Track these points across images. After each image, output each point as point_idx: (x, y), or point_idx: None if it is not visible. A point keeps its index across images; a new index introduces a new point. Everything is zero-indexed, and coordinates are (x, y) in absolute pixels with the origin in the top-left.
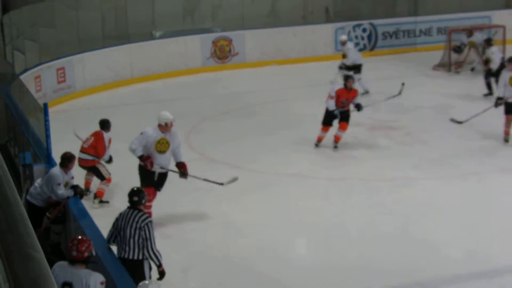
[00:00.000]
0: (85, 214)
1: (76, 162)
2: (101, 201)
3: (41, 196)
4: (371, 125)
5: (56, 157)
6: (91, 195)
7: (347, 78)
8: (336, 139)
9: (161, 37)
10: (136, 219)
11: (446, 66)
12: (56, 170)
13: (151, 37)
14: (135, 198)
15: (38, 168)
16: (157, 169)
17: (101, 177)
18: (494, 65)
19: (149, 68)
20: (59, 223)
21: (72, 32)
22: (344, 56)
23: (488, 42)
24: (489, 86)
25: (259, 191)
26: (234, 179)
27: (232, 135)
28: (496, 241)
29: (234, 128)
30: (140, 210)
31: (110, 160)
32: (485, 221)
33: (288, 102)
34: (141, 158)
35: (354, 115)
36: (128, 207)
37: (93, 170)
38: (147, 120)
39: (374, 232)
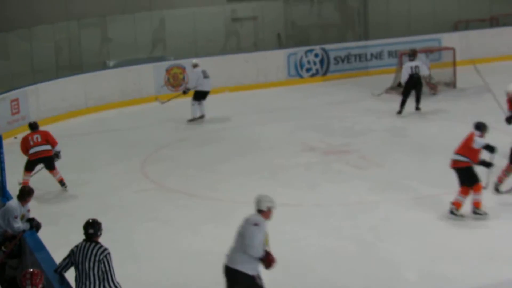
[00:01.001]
0: (41, 247)
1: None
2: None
3: None
4: (324, 150)
5: (11, 190)
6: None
7: None
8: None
9: (114, 67)
10: (94, 251)
11: (398, 89)
12: (13, 203)
13: (105, 67)
14: (91, 231)
15: None
16: None
17: (54, 166)
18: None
19: (104, 98)
20: (15, 257)
21: (26, 63)
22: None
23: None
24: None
25: (216, 219)
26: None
27: (188, 163)
28: (453, 262)
29: (190, 156)
30: (97, 243)
31: (58, 155)
32: (442, 243)
33: (242, 129)
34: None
35: (307, 137)
36: (84, 240)
37: (50, 160)
38: (102, 150)
39: (333, 257)
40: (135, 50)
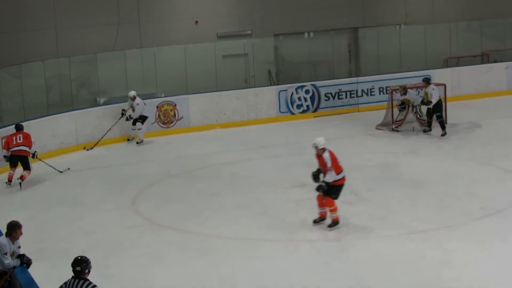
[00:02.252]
0: (32, 284)
1: (22, 230)
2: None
3: None
4: (315, 185)
5: (0, 226)
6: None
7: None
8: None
9: (105, 104)
10: None
11: (389, 125)
12: (2, 239)
13: (96, 104)
14: (78, 268)
15: None
16: None
17: (28, 166)
18: (433, 100)
19: (94, 134)
20: None
21: (16, 101)
22: (133, 109)
23: (427, 81)
24: (441, 124)
25: (208, 255)
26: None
27: (179, 198)
28: None
29: (181, 192)
30: (85, 280)
31: (34, 155)
32: (433, 279)
33: (233, 164)
34: None
35: (298, 173)
36: (73, 277)
37: (24, 159)
38: (93, 186)
39: None
40: (126, 87)
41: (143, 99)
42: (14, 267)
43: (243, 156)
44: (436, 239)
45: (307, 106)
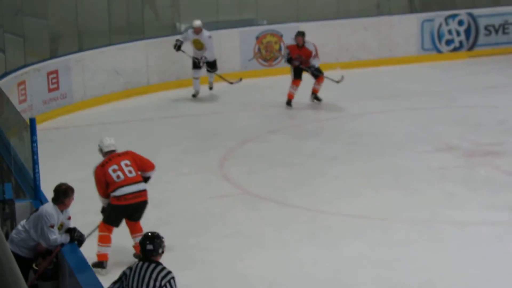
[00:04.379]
0: (85, 267)
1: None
2: None
3: (25, 242)
4: (467, 150)
5: (47, 190)
6: None
7: (297, 35)
8: (314, 91)
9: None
10: (154, 275)
11: None
12: (49, 207)
13: (175, 31)
14: (150, 247)
15: (21, 205)
16: None
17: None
18: None
19: (170, 72)
20: (50, 279)
21: (69, 24)
22: (199, 47)
23: None
24: None
25: (317, 238)
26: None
27: (282, 162)
28: None
29: (285, 153)
30: (157, 263)
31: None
32: None
33: (356, 118)
34: None
35: (444, 133)
36: (141, 259)
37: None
38: (168, 142)
39: None
40: (215, 11)
41: (239, 27)
42: (62, 245)
43: (371, 108)
44: None
45: (460, 42)
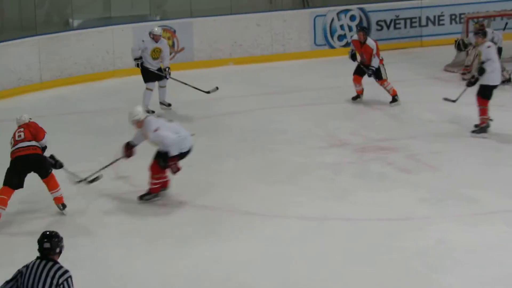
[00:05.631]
0: None
1: None
2: None
3: None
4: (360, 145)
5: None
6: None
7: (360, 29)
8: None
9: (80, 27)
10: (51, 273)
11: (462, 65)
12: None
13: (67, 27)
14: (47, 245)
15: None
16: None
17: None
18: None
19: (64, 69)
20: None
21: None
22: (156, 56)
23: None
24: None
25: (211, 233)
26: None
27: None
28: None
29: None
30: (55, 262)
31: None
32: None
33: (250, 115)
34: None
35: (337, 128)
36: (38, 258)
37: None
38: (63, 139)
39: None
40: (108, 7)
41: (132, 23)
42: None
43: (264, 103)
44: None
45: (351, 36)
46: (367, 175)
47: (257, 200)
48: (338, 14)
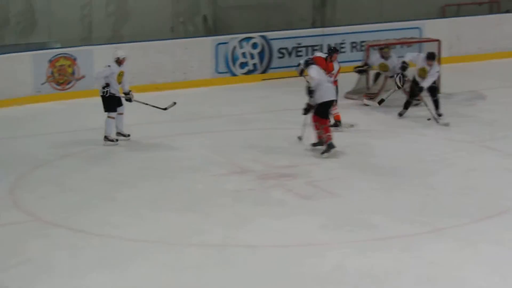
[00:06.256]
0: None
1: None
2: None
3: None
4: (261, 172)
5: None
6: None
7: (335, 51)
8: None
9: None
10: None
11: (363, 92)
12: None
13: None
14: None
15: None
16: None
17: None
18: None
19: None
20: None
21: None
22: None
23: (433, 58)
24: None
25: (108, 264)
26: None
27: (73, 187)
28: None
29: (76, 178)
30: None
31: None
32: None
33: (150, 142)
34: None
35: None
36: None
37: None
38: None
39: None
40: (7, 33)
41: (31, 51)
42: None
43: (164, 131)
44: (418, 248)
45: (254, 65)
46: (268, 202)
47: (156, 228)
48: (240, 41)
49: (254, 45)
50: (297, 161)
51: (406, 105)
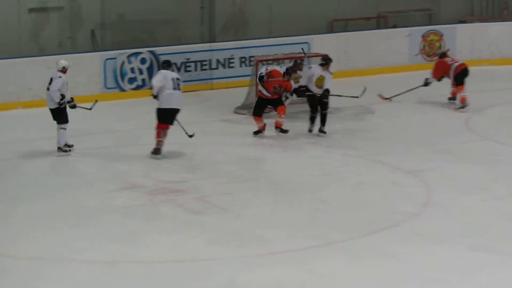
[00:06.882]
0: None
1: None
2: None
3: None
4: (150, 188)
5: None
6: None
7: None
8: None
9: None
10: None
11: (252, 108)
12: None
13: None
14: None
15: None
16: None
17: None
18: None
19: None
20: None
21: None
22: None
23: (327, 62)
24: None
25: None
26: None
27: None
28: None
29: None
30: None
31: None
32: None
33: (37, 158)
34: None
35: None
36: None
37: None
38: None
39: None
40: None
41: None
42: None
43: (50, 147)
44: (310, 261)
45: (143, 80)
46: (158, 217)
47: (45, 245)
48: (128, 57)
49: (143, 60)
50: (188, 176)
51: (312, 119)
